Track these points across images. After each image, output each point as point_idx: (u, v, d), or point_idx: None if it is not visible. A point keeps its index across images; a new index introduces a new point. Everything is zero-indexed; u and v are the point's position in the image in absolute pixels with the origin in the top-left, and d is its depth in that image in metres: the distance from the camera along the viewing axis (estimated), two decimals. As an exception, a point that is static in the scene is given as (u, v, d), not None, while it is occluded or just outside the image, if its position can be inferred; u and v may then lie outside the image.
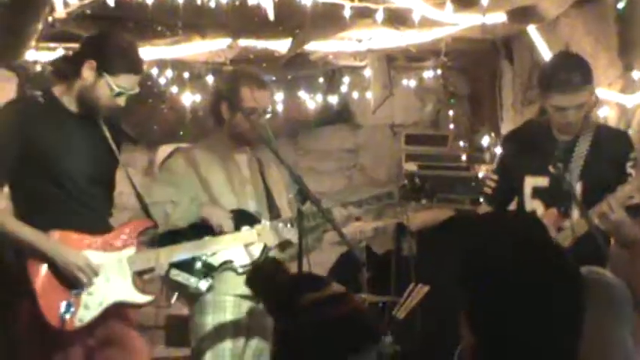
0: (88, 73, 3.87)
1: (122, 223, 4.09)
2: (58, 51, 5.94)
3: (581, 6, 5.67)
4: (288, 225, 4.29)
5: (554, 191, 4.24)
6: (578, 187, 4.22)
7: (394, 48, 6.80)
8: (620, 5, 5.34)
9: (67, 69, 3.97)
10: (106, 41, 3.96)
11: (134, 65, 3.95)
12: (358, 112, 8.03)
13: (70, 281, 3.79)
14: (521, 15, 5.80)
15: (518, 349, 1.80)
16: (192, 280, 4.16)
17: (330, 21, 5.97)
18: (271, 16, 5.53)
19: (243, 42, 6.41)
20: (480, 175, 7.10)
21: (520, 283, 1.80)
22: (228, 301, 4.28)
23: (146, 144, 7.39)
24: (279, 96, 7.13)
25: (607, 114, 5.48)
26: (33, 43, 5.79)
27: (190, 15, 5.82)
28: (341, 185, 8.07)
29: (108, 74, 3.85)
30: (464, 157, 7.47)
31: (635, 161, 4.23)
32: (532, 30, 6.15)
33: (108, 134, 4.04)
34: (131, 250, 3.96)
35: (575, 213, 4.15)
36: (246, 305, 4.29)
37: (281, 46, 6.46)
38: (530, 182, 4.36)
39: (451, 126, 7.93)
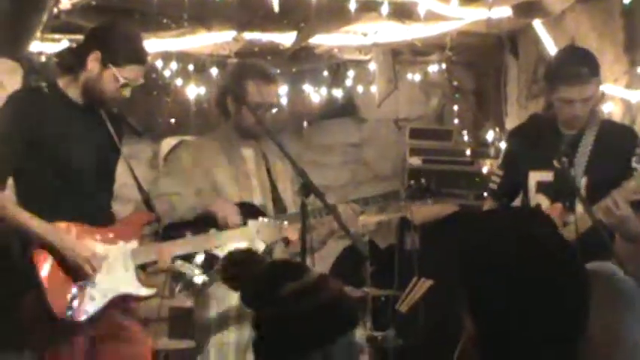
0: (93, 64, 3.87)
1: (125, 216, 4.10)
2: (63, 42, 5.93)
3: (586, 1, 5.66)
4: (285, 223, 4.28)
5: (558, 186, 4.24)
6: (582, 182, 4.21)
7: (399, 42, 6.79)
8: (626, 0, 5.32)
9: (72, 61, 3.97)
10: (111, 32, 3.96)
11: (139, 56, 3.95)
12: (363, 105, 8.03)
13: (76, 273, 3.80)
14: (527, 9, 5.79)
15: (521, 343, 1.79)
16: (196, 272, 4.16)
17: (335, 14, 5.97)
18: (276, 9, 5.53)
19: (248, 35, 6.40)
20: (485, 169, 7.09)
21: (522, 278, 1.79)
22: (232, 293, 4.28)
23: (150, 136, 7.38)
24: (283, 89, 7.12)
25: (612, 109, 5.48)
26: (38, 34, 5.79)
27: (195, 7, 5.81)
28: (345, 179, 8.07)
29: (113, 65, 3.85)
30: (468, 152, 7.46)
31: None
32: (537, 25, 6.14)
33: (110, 126, 4.05)
34: (134, 243, 3.97)
35: (580, 208, 4.14)
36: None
37: (286, 39, 6.45)
38: (535, 177, 4.36)
39: (456, 120, 7.93)
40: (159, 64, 6.70)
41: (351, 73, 7.63)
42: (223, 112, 4.49)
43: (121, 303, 3.96)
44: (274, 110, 4.45)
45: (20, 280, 3.86)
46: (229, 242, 4.21)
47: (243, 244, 4.22)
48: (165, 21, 6.15)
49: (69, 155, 3.88)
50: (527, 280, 1.79)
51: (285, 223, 4.28)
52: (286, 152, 4.09)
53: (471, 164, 7.34)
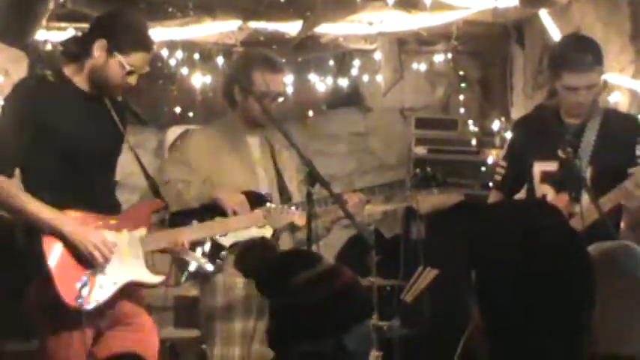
0: (99, 52, 3.87)
1: (133, 204, 4.10)
2: (69, 31, 5.94)
3: (593, -10, 5.65)
4: (298, 208, 4.29)
5: (563, 176, 4.24)
6: (587, 172, 4.21)
7: (405, 31, 6.78)
8: (633, -10, 5.31)
9: (78, 49, 3.97)
10: (116, 20, 3.96)
11: (145, 43, 3.95)
12: (368, 95, 8.02)
13: (86, 260, 3.80)
14: (533, -1, 5.78)
15: (527, 333, 1.79)
16: (202, 261, 4.17)
17: (341, 3, 5.96)
18: (282, -2, 5.52)
19: (254, 24, 6.40)
20: (490, 159, 7.09)
21: (529, 269, 1.79)
22: (239, 282, 4.29)
23: (156, 125, 7.39)
24: (289, 78, 7.11)
25: (618, 99, 5.47)
26: (43, 22, 5.79)
27: (201, -4, 5.82)
28: (350, 168, 8.06)
29: (119, 53, 3.85)
30: (474, 142, 7.45)
31: None
32: (544, 14, 6.13)
33: (115, 115, 4.05)
34: (143, 231, 3.97)
35: (586, 198, 4.14)
36: (256, 287, 4.29)
37: (291, 28, 6.45)
38: (540, 167, 4.36)
39: (461, 110, 7.91)
40: (164, 52, 6.70)
41: (356, 63, 7.62)
42: (230, 101, 4.49)
43: (130, 291, 3.97)
44: (280, 99, 4.45)
45: (27, 268, 3.87)
46: (237, 228, 4.21)
47: (251, 230, 4.23)
48: (170, 10, 6.15)
49: (75, 143, 3.88)
50: (534, 271, 1.79)
51: (293, 208, 4.29)
52: (292, 141, 4.09)
53: (477, 154, 7.33)
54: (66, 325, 3.79)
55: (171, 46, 6.67)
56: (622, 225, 4.37)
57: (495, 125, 7.41)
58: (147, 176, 4.09)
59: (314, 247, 3.87)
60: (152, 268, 3.99)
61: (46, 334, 3.88)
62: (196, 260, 4.15)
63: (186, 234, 4.06)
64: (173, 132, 6.91)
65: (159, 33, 6.10)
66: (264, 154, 4.51)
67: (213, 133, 4.52)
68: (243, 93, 4.40)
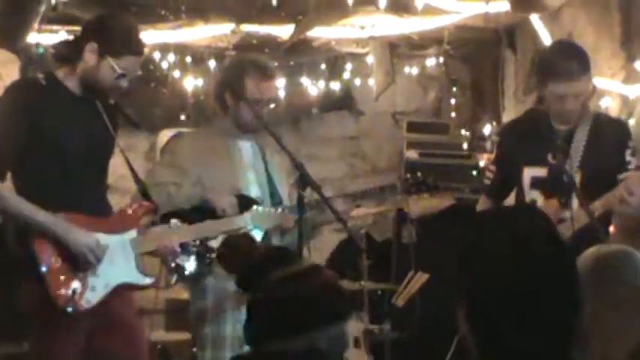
0: (90, 55, 3.87)
1: (124, 206, 4.10)
2: (61, 33, 5.93)
3: (584, -5, 5.67)
4: (286, 211, 4.30)
5: (553, 181, 4.24)
6: (577, 177, 4.22)
7: (397, 35, 6.80)
8: (624, -5, 5.33)
9: (69, 52, 3.97)
10: (107, 23, 3.96)
11: (136, 46, 3.95)
12: (360, 99, 8.03)
13: (78, 262, 3.80)
14: (525, 4, 5.80)
15: (513, 342, 1.80)
16: (191, 264, 4.17)
17: (333, 7, 5.97)
18: (274, 2, 5.53)
19: (246, 27, 6.41)
20: (481, 163, 7.10)
21: (515, 279, 1.80)
22: (229, 284, 4.28)
23: (148, 128, 7.39)
24: (281, 82, 7.11)
25: (609, 104, 5.49)
26: (35, 25, 5.79)
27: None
28: (342, 172, 8.07)
29: (110, 56, 3.86)
30: (465, 146, 7.47)
31: (634, 149, 4.23)
32: (535, 19, 6.15)
33: (106, 118, 4.05)
34: (133, 233, 3.98)
35: (575, 203, 4.15)
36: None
37: (284, 31, 6.46)
38: (529, 172, 4.35)
39: (453, 114, 7.93)
40: (156, 55, 6.71)
41: (348, 66, 7.64)
42: (221, 105, 4.49)
43: (120, 293, 3.97)
44: (272, 105, 4.46)
45: (18, 270, 3.86)
46: (228, 230, 4.22)
47: (241, 232, 4.24)
48: (163, 13, 6.16)
49: (66, 146, 3.88)
50: (523, 279, 1.80)
51: (280, 210, 4.30)
52: (283, 145, 4.09)
53: (468, 158, 7.35)
54: (57, 328, 3.79)
55: (164, 49, 6.67)
56: (611, 229, 4.38)
57: (487, 129, 7.43)
58: (137, 180, 4.09)
59: (305, 250, 3.88)
60: (143, 269, 3.99)
61: (37, 337, 3.88)
62: (186, 263, 4.15)
63: (177, 236, 4.06)
64: (165, 135, 6.91)
65: (151, 36, 6.11)
66: (256, 158, 4.52)
67: (205, 136, 4.53)
68: (235, 99, 4.40)
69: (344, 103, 8.09)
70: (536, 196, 4.31)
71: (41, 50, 6.05)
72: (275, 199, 4.45)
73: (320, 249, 7.01)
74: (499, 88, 7.39)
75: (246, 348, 4.24)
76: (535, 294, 1.80)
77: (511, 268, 1.80)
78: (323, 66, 7.64)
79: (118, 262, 3.91)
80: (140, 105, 6.96)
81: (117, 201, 4.36)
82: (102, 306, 3.88)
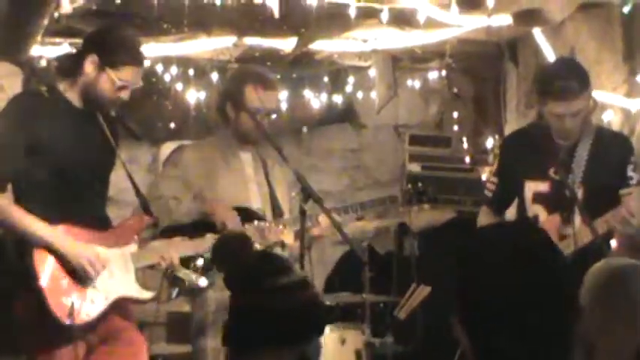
0: (89, 67, 3.88)
1: (124, 219, 4.10)
2: (64, 46, 5.95)
3: (586, 10, 5.67)
4: (281, 226, 4.30)
5: (555, 196, 4.23)
6: (579, 192, 4.20)
7: (399, 48, 6.80)
8: (626, 9, 5.33)
9: (70, 66, 3.98)
10: (106, 36, 3.97)
11: (135, 58, 3.95)
12: (362, 112, 8.03)
13: (78, 275, 3.80)
14: (527, 18, 5.80)
15: (515, 352, 1.80)
16: (192, 277, 4.17)
17: (335, 20, 5.98)
18: (277, 15, 5.54)
19: (249, 40, 6.41)
20: (484, 177, 7.10)
21: (517, 290, 1.81)
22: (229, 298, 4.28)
23: (150, 140, 7.40)
24: (283, 95, 7.13)
25: (611, 118, 5.48)
26: (38, 38, 5.80)
27: (196, 12, 5.82)
28: (344, 185, 8.07)
29: (110, 68, 3.86)
30: (467, 159, 7.47)
31: (636, 164, 4.22)
32: (537, 33, 6.15)
33: (107, 131, 4.05)
34: (133, 246, 3.98)
35: (578, 220, 4.14)
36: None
37: (286, 44, 6.46)
38: (531, 187, 4.34)
39: (455, 127, 7.93)
40: (159, 68, 6.71)
41: (351, 79, 7.64)
42: (223, 117, 4.50)
43: (120, 306, 3.96)
44: (273, 116, 4.46)
45: (18, 282, 3.86)
46: None
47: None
48: (165, 26, 6.16)
49: (67, 159, 3.89)
50: (523, 292, 1.80)
51: (281, 227, 4.30)
52: (285, 157, 4.10)
53: (470, 171, 7.34)
54: (56, 340, 3.79)
55: (166, 61, 6.68)
56: (614, 246, 4.37)
57: (489, 143, 7.43)
58: (137, 192, 4.09)
59: (306, 263, 3.88)
60: (142, 283, 3.99)
61: (35, 349, 3.87)
62: (186, 276, 4.15)
63: (177, 250, 4.06)
64: (167, 147, 6.91)
65: (153, 48, 6.11)
66: (257, 170, 4.52)
67: (206, 148, 4.53)
68: (236, 109, 4.41)
69: (346, 115, 8.09)
70: (538, 211, 4.30)
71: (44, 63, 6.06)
72: (276, 211, 4.45)
73: (323, 262, 7.00)
74: (501, 101, 7.39)
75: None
76: (536, 305, 1.80)
77: (512, 279, 1.81)
78: (325, 79, 7.65)
79: (117, 276, 3.91)
80: (142, 117, 6.98)
81: (118, 214, 4.36)
82: (101, 319, 3.87)
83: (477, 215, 4.71)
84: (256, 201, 4.44)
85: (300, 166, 4.26)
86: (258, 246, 4.23)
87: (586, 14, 5.76)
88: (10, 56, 5.99)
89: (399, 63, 7.41)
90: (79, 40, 5.08)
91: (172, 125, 7.44)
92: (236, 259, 2.56)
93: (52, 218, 3.79)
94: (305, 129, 7.97)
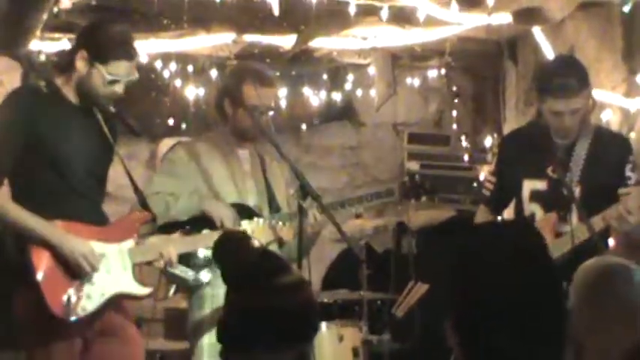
0: (80, 63, 3.88)
1: (122, 215, 4.10)
2: (63, 42, 5.95)
3: (586, 8, 5.67)
4: (287, 223, 4.29)
5: (552, 195, 4.23)
6: (577, 191, 4.20)
7: (399, 46, 6.80)
8: (626, 8, 5.33)
9: (63, 62, 3.99)
10: (95, 31, 3.96)
11: (125, 52, 3.92)
12: (361, 109, 8.03)
13: (74, 270, 3.79)
14: (527, 16, 5.80)
15: (514, 352, 1.80)
16: (190, 274, 4.17)
17: (335, 18, 5.98)
18: (276, 12, 5.53)
19: (248, 37, 6.41)
20: (482, 175, 7.10)
21: (517, 289, 1.81)
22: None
23: (149, 137, 7.39)
24: (282, 92, 7.13)
25: (610, 118, 5.48)
26: (37, 33, 5.80)
27: (195, 9, 5.83)
28: (342, 182, 8.07)
29: (99, 63, 3.85)
30: (466, 157, 7.47)
31: (634, 164, 4.22)
32: (537, 31, 6.16)
33: (105, 127, 4.05)
34: (131, 242, 3.97)
35: (575, 218, 4.14)
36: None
37: (286, 42, 6.46)
38: (529, 185, 4.34)
39: (454, 126, 7.93)
40: (158, 64, 6.71)
41: (350, 77, 7.64)
42: (221, 114, 4.50)
43: (117, 302, 3.96)
44: (271, 113, 4.46)
45: (15, 278, 3.86)
46: None
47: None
48: (165, 22, 6.17)
49: (64, 155, 3.88)
50: (523, 292, 1.81)
51: (280, 223, 4.29)
52: (284, 154, 4.09)
53: (469, 170, 7.35)
54: (53, 336, 3.78)
55: (165, 58, 6.68)
56: (611, 245, 4.38)
57: (488, 141, 7.43)
58: (135, 188, 4.08)
59: (304, 261, 3.88)
60: (140, 279, 3.99)
61: (33, 345, 3.87)
62: (184, 273, 4.15)
63: (174, 246, 4.05)
64: (166, 144, 6.90)
65: (153, 45, 6.12)
66: (254, 167, 4.52)
67: (204, 145, 4.53)
68: (234, 106, 4.41)
69: (345, 113, 8.09)
70: (535, 210, 4.30)
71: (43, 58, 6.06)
72: (273, 208, 4.45)
73: (320, 259, 7.00)
74: (500, 99, 7.40)
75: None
76: (535, 305, 1.80)
77: (512, 279, 1.81)
78: (325, 76, 7.65)
79: (114, 272, 3.90)
80: (141, 114, 6.96)
81: (116, 210, 4.35)
82: (98, 315, 3.87)
83: (475, 214, 4.71)
84: (253, 198, 4.43)
85: (298, 163, 4.26)
86: (256, 243, 4.23)
87: (586, 13, 5.76)
88: (9, 51, 5.98)
89: (399, 61, 7.41)
90: (78, 36, 5.08)
91: (171, 121, 7.43)
92: (236, 257, 2.54)
93: (48, 214, 3.79)
94: (304, 126, 7.97)
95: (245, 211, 4.31)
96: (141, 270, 4.02)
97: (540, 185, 4.29)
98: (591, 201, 4.12)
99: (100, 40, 3.89)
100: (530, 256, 1.85)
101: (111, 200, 4.31)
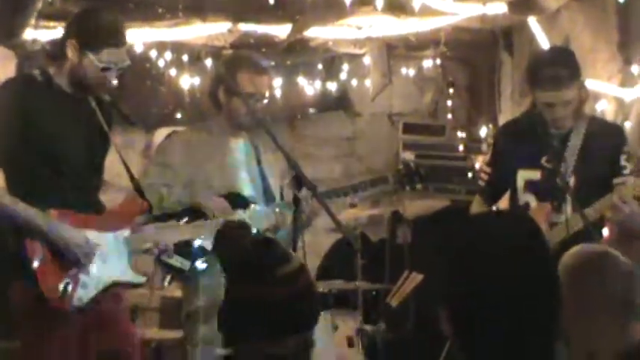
0: (71, 52, 3.87)
1: (118, 204, 4.10)
2: (58, 30, 5.93)
3: (582, -1, 5.67)
4: (277, 209, 4.30)
5: (547, 185, 4.24)
6: (571, 181, 4.21)
7: (394, 36, 6.80)
8: (622, -1, 5.33)
9: (56, 50, 3.98)
10: (85, 19, 3.96)
11: (115, 38, 3.91)
12: (357, 99, 8.03)
13: (69, 260, 3.79)
14: (522, 6, 5.80)
15: (512, 342, 1.81)
16: (185, 263, 4.17)
17: (330, 7, 5.98)
18: (272, 1, 5.53)
19: (244, 26, 6.41)
20: (477, 165, 7.11)
21: (515, 280, 1.81)
22: (221, 282, 4.28)
23: (144, 126, 7.39)
24: (277, 81, 7.12)
25: (605, 108, 5.49)
26: (32, 21, 5.78)
27: (191, -3, 5.83)
28: (337, 172, 8.07)
29: (90, 51, 3.85)
30: (461, 148, 7.47)
31: (630, 154, 4.23)
32: (532, 21, 6.15)
33: (100, 115, 4.04)
34: (126, 231, 3.97)
35: (569, 208, 4.14)
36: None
37: (281, 31, 6.46)
38: (523, 175, 4.35)
39: (449, 116, 7.93)
40: (153, 53, 6.70)
41: (345, 67, 7.64)
42: (215, 103, 4.49)
43: (113, 291, 3.96)
44: (265, 101, 4.46)
45: (10, 268, 3.85)
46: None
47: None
48: (160, 11, 6.15)
49: (59, 145, 3.88)
50: (520, 283, 1.81)
51: (277, 210, 4.30)
52: (279, 144, 4.09)
53: (464, 160, 7.35)
54: (49, 325, 3.78)
55: (160, 47, 6.67)
56: (605, 235, 4.38)
57: (483, 131, 7.43)
58: (131, 177, 4.08)
59: (299, 250, 3.88)
60: (136, 268, 3.99)
61: (29, 334, 3.87)
62: (179, 263, 4.15)
63: (170, 235, 4.05)
64: (161, 133, 6.89)
65: (148, 34, 6.11)
66: (248, 157, 4.51)
67: (197, 135, 4.52)
68: (228, 94, 4.40)
69: (340, 103, 8.09)
70: (529, 199, 4.31)
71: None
72: (268, 198, 4.45)
73: (315, 249, 7.01)
74: (495, 90, 7.39)
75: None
76: (531, 296, 1.81)
77: (508, 270, 1.81)
78: (320, 66, 7.64)
79: (110, 260, 3.90)
80: (136, 102, 6.96)
81: (112, 198, 4.35)
82: (94, 304, 3.87)
83: (470, 204, 4.71)
84: (247, 188, 4.43)
85: (293, 153, 4.25)
86: (254, 231, 4.24)
87: (581, 3, 5.76)
88: (3, 40, 5.97)
89: (394, 51, 7.41)
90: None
91: (166, 111, 7.42)
92: (237, 246, 2.53)
93: (44, 204, 3.78)
94: (299, 116, 7.96)
95: (239, 201, 4.31)
96: (137, 258, 4.02)
97: (535, 175, 4.30)
98: (586, 191, 4.13)
99: (90, 27, 3.88)
100: (527, 247, 1.86)
101: (107, 189, 4.31)
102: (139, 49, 6.39)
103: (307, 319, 2.44)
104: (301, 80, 7.57)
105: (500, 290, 1.81)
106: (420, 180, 4.57)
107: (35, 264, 3.72)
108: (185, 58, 6.93)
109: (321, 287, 5.90)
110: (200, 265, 4.21)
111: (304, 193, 4.03)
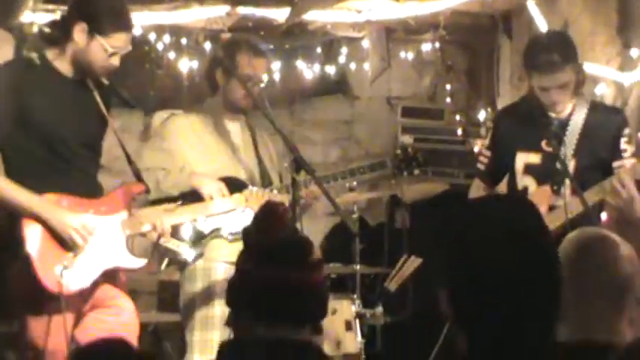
0: (79, 35, 3.86)
1: (115, 187, 4.10)
2: (56, 13, 5.90)
3: (581, -18, 5.65)
4: (275, 191, 4.30)
5: (546, 168, 4.24)
6: (571, 165, 4.21)
7: (393, 20, 6.78)
8: (621, -18, 5.32)
9: (57, 33, 3.95)
10: (94, 2, 3.94)
11: (125, 23, 3.92)
12: (355, 83, 8.01)
13: (66, 244, 3.79)
14: (522, -10, 5.78)
15: (511, 325, 1.81)
16: (182, 248, 4.17)
17: (329, -10, 5.96)
18: (270, -16, 5.52)
19: (242, 9, 6.39)
20: (476, 149, 7.10)
21: (514, 265, 1.81)
22: (218, 268, 4.30)
23: (143, 109, 7.37)
24: (276, 65, 7.11)
25: (604, 91, 5.47)
26: (30, 4, 5.76)
27: (189, -19, 5.80)
28: (336, 156, 8.06)
29: (100, 35, 3.84)
30: (460, 131, 7.46)
31: (630, 137, 4.23)
32: (531, 5, 6.13)
33: (98, 98, 4.03)
34: (124, 214, 3.97)
35: (568, 191, 4.14)
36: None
37: (280, 14, 6.44)
38: (522, 158, 4.35)
39: (448, 100, 7.91)
40: (152, 37, 6.68)
41: (344, 50, 7.61)
42: (212, 85, 4.49)
43: (110, 274, 3.96)
44: (263, 85, 4.45)
45: (8, 252, 3.85)
46: (219, 211, 4.22)
47: (232, 214, 4.23)
48: (159, -6, 6.13)
49: (57, 128, 3.87)
50: (520, 267, 1.81)
51: (275, 191, 4.29)
52: (277, 127, 4.09)
53: (463, 143, 7.34)
54: (46, 309, 3.79)
55: (159, 30, 6.64)
56: (604, 219, 4.38)
57: (482, 115, 7.42)
58: (129, 161, 4.08)
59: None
60: (133, 251, 3.99)
61: (26, 318, 3.87)
62: (176, 246, 4.15)
63: (167, 218, 4.05)
64: (159, 117, 6.89)
65: (146, 17, 6.08)
66: (245, 140, 4.51)
67: (194, 118, 4.52)
68: (226, 76, 4.40)
69: (339, 87, 8.07)
70: (528, 183, 4.31)
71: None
72: (265, 181, 4.45)
73: (313, 233, 7.01)
74: (494, 74, 7.37)
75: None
76: (531, 280, 1.81)
77: (508, 254, 1.81)
78: (318, 49, 7.61)
79: (108, 244, 3.90)
80: (135, 86, 6.95)
81: (110, 182, 4.35)
82: (92, 287, 3.87)
83: (469, 188, 4.71)
84: (244, 171, 4.43)
85: (291, 136, 4.26)
86: (252, 211, 4.22)
87: (580, -14, 5.74)
88: (1, 22, 5.95)
89: (393, 34, 7.38)
90: (70, 7, 5.05)
91: (165, 94, 7.41)
92: (284, 227, 2.52)
93: (40, 187, 3.78)
94: (297, 100, 7.95)
95: (236, 185, 4.31)
96: (134, 242, 4.02)
97: (534, 158, 4.30)
98: (585, 174, 4.13)
99: (100, 11, 3.87)
100: (527, 231, 1.85)
101: (105, 172, 4.31)
102: (137, 32, 6.37)
103: (322, 308, 2.45)
104: (300, 64, 7.54)
105: (500, 274, 1.80)
106: (418, 165, 4.57)
107: (32, 249, 3.72)
108: (184, 41, 6.91)
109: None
110: (197, 249, 4.22)
111: (302, 176, 4.03)
